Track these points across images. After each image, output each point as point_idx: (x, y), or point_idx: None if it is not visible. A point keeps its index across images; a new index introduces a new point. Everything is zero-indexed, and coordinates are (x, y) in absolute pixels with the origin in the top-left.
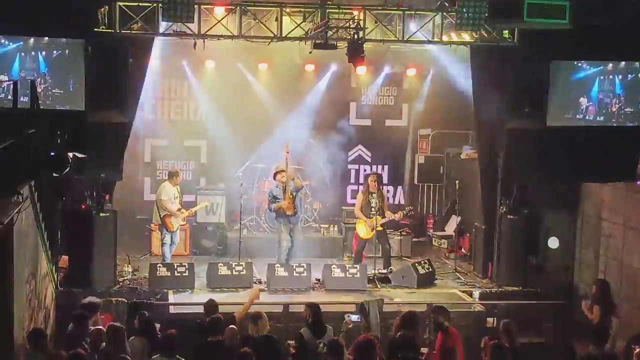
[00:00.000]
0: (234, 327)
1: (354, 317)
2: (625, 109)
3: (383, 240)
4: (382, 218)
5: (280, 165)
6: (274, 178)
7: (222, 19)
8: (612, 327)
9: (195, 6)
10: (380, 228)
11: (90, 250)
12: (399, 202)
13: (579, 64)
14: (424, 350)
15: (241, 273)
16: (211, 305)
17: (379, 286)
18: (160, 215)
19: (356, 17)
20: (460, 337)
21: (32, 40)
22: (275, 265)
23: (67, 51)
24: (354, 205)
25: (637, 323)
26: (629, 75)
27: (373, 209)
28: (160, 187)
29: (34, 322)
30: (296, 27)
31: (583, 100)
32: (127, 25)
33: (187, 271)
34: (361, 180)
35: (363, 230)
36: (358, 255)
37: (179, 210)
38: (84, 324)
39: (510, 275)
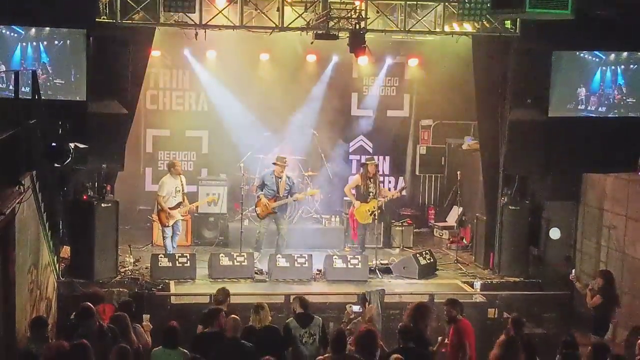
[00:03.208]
0: (236, 317)
1: (356, 308)
2: (628, 100)
3: (384, 218)
4: (378, 201)
5: (282, 156)
6: (273, 163)
7: (223, 9)
8: (615, 318)
9: None
10: (378, 211)
11: (92, 240)
12: (401, 192)
13: (581, 55)
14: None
15: (242, 263)
16: (223, 294)
17: (380, 277)
18: (157, 209)
19: (358, 7)
20: (472, 329)
21: (33, 30)
22: (277, 256)
23: (68, 41)
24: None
25: (639, 313)
26: (631, 66)
27: (371, 194)
28: (160, 182)
29: (36, 312)
30: (298, 17)
31: (581, 91)
32: (129, 16)
33: (188, 262)
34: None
35: (361, 215)
36: (362, 243)
37: (178, 204)
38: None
39: (512, 266)
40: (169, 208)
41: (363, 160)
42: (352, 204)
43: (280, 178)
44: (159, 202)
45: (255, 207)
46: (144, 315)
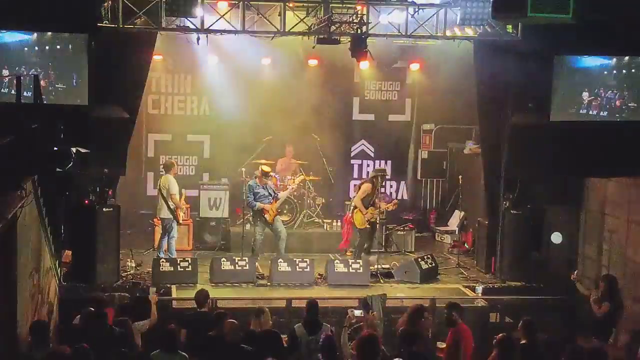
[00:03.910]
0: (234, 321)
1: (358, 312)
2: (629, 104)
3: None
4: (375, 209)
5: (265, 166)
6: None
7: (225, 13)
8: (621, 322)
9: (199, 1)
10: (374, 219)
11: (94, 245)
12: (402, 197)
13: (583, 59)
14: (441, 345)
15: (244, 268)
16: (203, 296)
17: (382, 281)
18: (172, 208)
19: (359, 12)
20: (470, 335)
21: (35, 35)
22: (278, 260)
23: (70, 46)
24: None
25: None
26: (633, 70)
27: (374, 202)
28: (166, 181)
29: (37, 317)
30: (299, 21)
31: (585, 95)
32: (131, 20)
33: (190, 266)
34: (364, 175)
35: (360, 221)
36: (360, 249)
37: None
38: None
39: (514, 271)
40: None
41: (365, 165)
42: (349, 210)
43: (266, 183)
44: (175, 201)
45: (264, 215)
46: (150, 288)
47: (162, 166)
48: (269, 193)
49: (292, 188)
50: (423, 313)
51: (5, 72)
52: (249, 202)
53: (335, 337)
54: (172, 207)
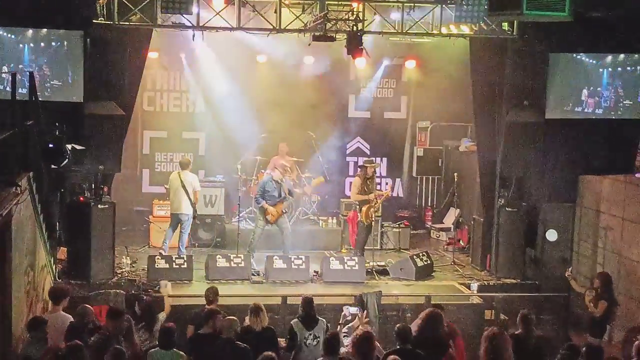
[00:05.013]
0: (233, 317)
1: (353, 310)
2: (624, 102)
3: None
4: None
5: (284, 163)
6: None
7: (220, 10)
8: (615, 319)
9: None
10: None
11: (89, 242)
12: (398, 194)
13: (578, 56)
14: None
15: (239, 265)
16: (212, 293)
17: (377, 278)
18: (193, 204)
19: (355, 9)
20: (460, 332)
21: (30, 31)
22: (274, 257)
23: (65, 43)
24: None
25: (635, 315)
26: (628, 68)
27: (372, 189)
28: (189, 177)
29: (32, 314)
30: (295, 19)
31: (584, 92)
32: (126, 17)
33: (185, 263)
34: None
35: (368, 216)
36: (362, 247)
37: None
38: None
39: (509, 268)
40: None
41: (360, 163)
42: (355, 208)
43: (280, 183)
44: (197, 197)
45: (265, 215)
46: (162, 282)
47: (178, 163)
48: (279, 194)
49: (308, 191)
50: (439, 318)
51: (2, 69)
52: (256, 198)
53: None
54: (192, 201)
